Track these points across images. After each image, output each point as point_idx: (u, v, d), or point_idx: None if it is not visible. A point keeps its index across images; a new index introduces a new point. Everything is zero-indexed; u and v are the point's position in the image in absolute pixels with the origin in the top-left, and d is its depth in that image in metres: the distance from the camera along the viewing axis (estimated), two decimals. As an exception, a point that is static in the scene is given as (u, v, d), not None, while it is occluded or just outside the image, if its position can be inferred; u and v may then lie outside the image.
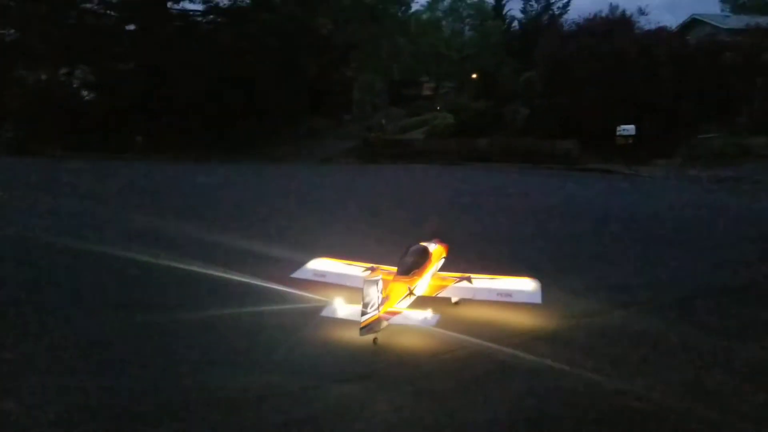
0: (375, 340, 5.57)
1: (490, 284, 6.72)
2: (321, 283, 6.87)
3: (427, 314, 5.75)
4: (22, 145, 29.85)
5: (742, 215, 15.32)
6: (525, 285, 6.64)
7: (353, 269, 7.16)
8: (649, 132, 29.22)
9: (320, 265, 7.26)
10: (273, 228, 11.58)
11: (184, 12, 37.08)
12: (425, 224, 8.54)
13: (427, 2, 62.60)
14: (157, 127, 32.49)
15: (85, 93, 36.27)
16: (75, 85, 36.00)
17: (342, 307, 5.89)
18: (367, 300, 5.46)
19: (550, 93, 33.63)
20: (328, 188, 20.99)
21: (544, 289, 6.40)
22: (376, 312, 5.53)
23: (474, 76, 55.05)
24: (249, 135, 35.55)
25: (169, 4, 36.12)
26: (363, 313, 5.44)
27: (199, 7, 37.11)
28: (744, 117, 29.20)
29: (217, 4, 37.26)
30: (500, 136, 34.62)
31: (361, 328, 5.39)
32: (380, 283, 5.67)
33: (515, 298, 6.42)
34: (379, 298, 5.61)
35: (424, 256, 6.85)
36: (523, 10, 60.70)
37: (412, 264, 6.59)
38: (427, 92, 64.44)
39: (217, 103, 32.67)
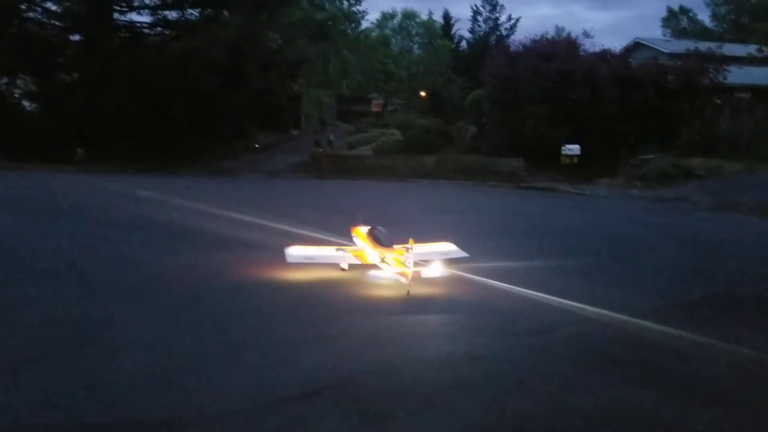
0: (408, 292, 8.06)
1: (433, 248, 9.15)
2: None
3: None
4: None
5: (682, 234, 15.84)
6: (450, 246, 9.36)
7: (329, 250, 9.26)
8: (593, 152, 29.96)
9: (300, 251, 8.97)
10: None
11: (131, 23, 36.31)
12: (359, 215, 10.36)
13: (377, 20, 63.18)
14: (100, 139, 31.57)
15: (26, 103, 35.01)
16: (16, 95, 34.70)
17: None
18: (408, 263, 8.02)
19: (497, 111, 34.21)
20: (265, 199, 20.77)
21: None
22: (410, 271, 8.02)
23: (422, 93, 55.74)
24: (195, 148, 34.96)
25: (115, 15, 35.27)
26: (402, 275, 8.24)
27: (146, 18, 36.48)
28: (684, 139, 30.27)
29: (165, 16, 36.70)
30: (447, 154, 34.99)
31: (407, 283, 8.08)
32: (412, 252, 8.06)
33: (451, 256, 9.05)
34: (411, 262, 8.03)
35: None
36: (471, 30, 62.02)
37: (385, 240, 8.99)
38: (375, 109, 64.88)
39: (163, 116, 32.00)
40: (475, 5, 61.32)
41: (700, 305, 8.39)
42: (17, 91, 34.90)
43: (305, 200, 21.64)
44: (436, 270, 8.36)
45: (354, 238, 9.62)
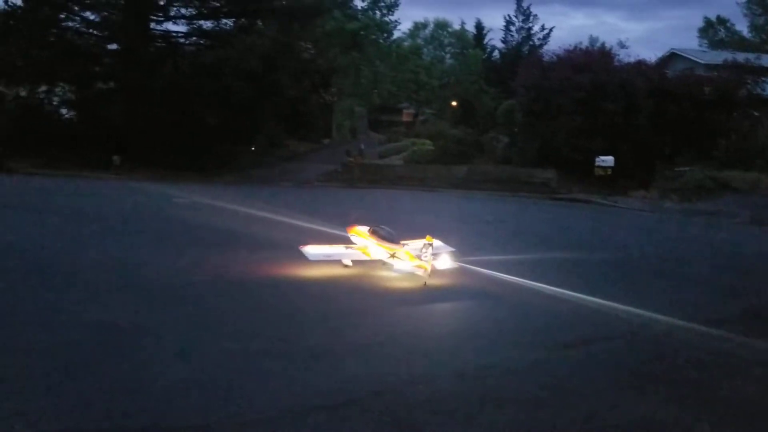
0: (425, 283, 9.00)
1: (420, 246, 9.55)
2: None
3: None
4: (1, 161, 29.22)
5: (722, 248, 15.50)
6: (437, 242, 9.92)
7: (340, 248, 10.04)
8: (627, 163, 29.59)
9: (318, 249, 9.79)
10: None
11: (167, 33, 36.96)
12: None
13: (409, 30, 63.29)
14: (136, 147, 32.09)
15: (64, 111, 35.76)
16: (54, 103, 35.47)
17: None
18: (425, 257, 9.08)
19: (529, 122, 34.01)
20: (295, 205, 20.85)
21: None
22: (428, 264, 9.03)
23: (453, 103, 55.62)
24: (227, 156, 35.35)
25: (152, 25, 35.91)
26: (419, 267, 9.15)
27: (182, 28, 37.07)
28: (721, 151, 29.72)
29: (201, 26, 37.24)
30: (479, 164, 34.85)
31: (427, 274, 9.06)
32: (430, 247, 9.14)
33: (442, 250, 10.01)
34: (429, 256, 9.09)
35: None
36: (504, 40, 61.65)
37: (391, 237, 9.93)
38: (406, 119, 64.93)
39: (197, 124, 32.44)
40: (508, 15, 61.13)
41: (740, 320, 8.18)
42: (56, 99, 35.66)
43: (333, 207, 21.68)
44: (446, 262, 9.59)
45: (352, 237, 10.45)
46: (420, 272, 9.16)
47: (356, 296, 8.54)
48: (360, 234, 10.36)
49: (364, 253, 9.99)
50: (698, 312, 8.51)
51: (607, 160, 30.13)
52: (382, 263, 9.87)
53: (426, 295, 8.63)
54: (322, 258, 9.68)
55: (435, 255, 9.49)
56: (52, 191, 22.44)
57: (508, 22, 61.11)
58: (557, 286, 9.12)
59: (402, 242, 9.81)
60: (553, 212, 24.28)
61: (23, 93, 34.35)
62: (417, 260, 9.29)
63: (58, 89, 35.22)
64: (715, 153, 29.65)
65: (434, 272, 9.18)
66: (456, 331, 7.35)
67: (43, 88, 34.70)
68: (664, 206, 25.94)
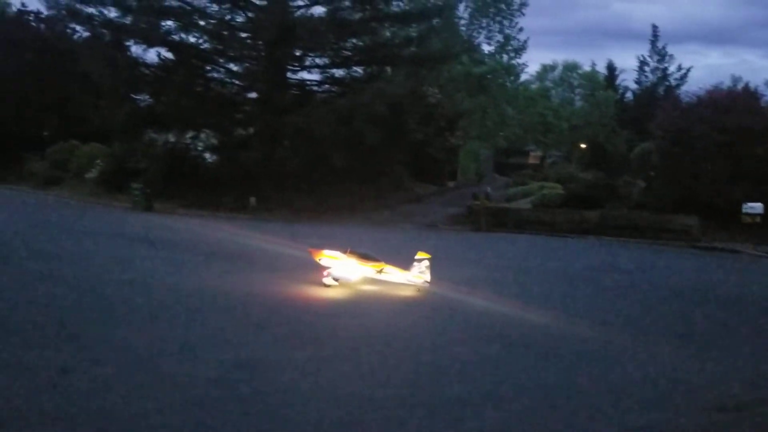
0: (419, 289, 11.87)
1: (402, 274, 12.16)
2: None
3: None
4: (149, 202, 31.66)
5: None
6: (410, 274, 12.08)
7: (354, 266, 11.92)
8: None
9: (341, 272, 11.74)
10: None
11: (302, 81, 38.70)
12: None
13: (537, 72, 62.56)
14: (270, 189, 33.55)
15: (207, 156, 38.16)
16: (199, 148, 37.97)
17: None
18: (422, 271, 11.90)
19: (668, 165, 32.20)
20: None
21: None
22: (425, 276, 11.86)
23: (583, 146, 54.04)
24: (354, 198, 36.06)
25: (288, 74, 37.78)
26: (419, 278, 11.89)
27: (316, 77, 38.70)
28: None
29: (333, 74, 38.68)
30: (613, 209, 33.30)
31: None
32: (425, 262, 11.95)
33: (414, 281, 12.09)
34: (427, 270, 11.94)
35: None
36: (638, 81, 59.51)
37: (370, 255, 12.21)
38: (533, 161, 63.83)
39: (326, 167, 33.46)
40: (642, 55, 59.08)
41: None
42: (200, 144, 38.14)
43: (458, 252, 21.42)
44: (427, 276, 11.96)
45: (322, 261, 12.00)
46: (419, 282, 11.74)
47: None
48: (332, 257, 11.88)
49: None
50: None
51: (756, 207, 27.95)
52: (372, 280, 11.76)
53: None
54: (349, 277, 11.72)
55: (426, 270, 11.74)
56: (200, 231, 23.66)
57: (642, 62, 59.06)
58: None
59: (419, 258, 11.96)
60: (698, 263, 22.65)
61: (172, 139, 37.00)
62: (409, 272, 11.85)
63: (202, 135, 37.69)
64: None
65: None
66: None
67: (190, 134, 37.24)
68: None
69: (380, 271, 11.76)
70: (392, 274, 11.88)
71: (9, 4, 54.63)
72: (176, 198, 33.58)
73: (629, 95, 61.56)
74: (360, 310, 10.87)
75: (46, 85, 41.71)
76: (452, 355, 8.29)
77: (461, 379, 7.10)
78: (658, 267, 21.02)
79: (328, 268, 11.82)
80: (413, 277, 11.92)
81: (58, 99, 42.21)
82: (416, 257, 11.93)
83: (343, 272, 11.75)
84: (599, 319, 11.01)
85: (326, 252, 12.01)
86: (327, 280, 11.66)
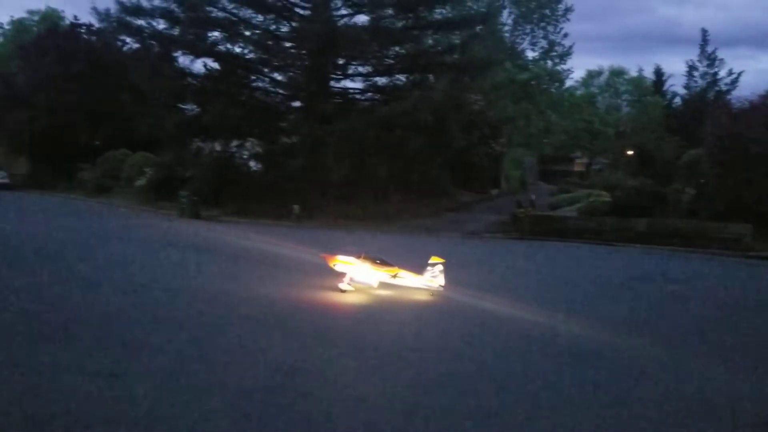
0: (432, 293, 12.31)
1: (417, 278, 12.48)
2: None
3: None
4: (196, 209, 32.31)
5: None
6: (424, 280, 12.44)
7: (369, 271, 12.25)
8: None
9: (359, 277, 12.11)
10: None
11: (345, 90, 38.97)
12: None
13: (582, 78, 61.75)
14: (313, 196, 33.84)
15: (252, 164, 38.73)
16: (244, 157, 38.56)
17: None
18: (435, 275, 12.30)
19: (719, 173, 31.27)
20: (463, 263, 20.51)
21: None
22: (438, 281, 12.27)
23: (630, 152, 53.00)
24: (397, 206, 36.07)
25: (331, 83, 38.10)
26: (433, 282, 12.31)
27: (358, 85, 38.92)
28: None
29: (375, 82, 38.82)
30: (661, 217, 32.48)
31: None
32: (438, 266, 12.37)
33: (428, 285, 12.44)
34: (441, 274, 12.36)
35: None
36: (686, 86, 58.13)
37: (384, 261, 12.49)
38: (578, 168, 62.88)
39: (369, 175, 33.58)
40: (691, 60, 57.68)
41: None
42: (245, 153, 38.73)
43: (498, 261, 21.20)
44: (441, 280, 12.35)
45: (336, 266, 12.27)
46: (433, 286, 12.17)
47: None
48: (347, 262, 12.15)
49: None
50: None
51: (813, 215, 26.88)
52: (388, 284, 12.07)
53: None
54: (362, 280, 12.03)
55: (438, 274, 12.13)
56: (243, 238, 24.01)
57: (691, 68, 57.66)
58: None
59: (432, 263, 12.39)
60: (751, 273, 21.90)
61: (218, 148, 37.67)
62: (424, 277, 12.21)
63: (247, 144, 38.27)
64: None
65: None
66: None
67: (235, 142, 37.87)
68: None
69: (394, 276, 12.17)
70: (406, 278, 12.28)
71: (62, 18, 56.60)
72: (222, 205, 34.25)
73: (678, 101, 60.19)
74: (392, 316, 11.00)
75: (97, 95, 43.09)
76: (495, 365, 8.20)
77: (510, 390, 7.02)
78: (709, 277, 20.40)
79: (344, 274, 12.15)
80: (428, 281, 12.31)
81: (108, 109, 43.56)
82: (429, 261, 12.43)
83: (362, 277, 12.07)
84: (647, 332, 10.74)
85: (340, 258, 12.32)
86: (343, 285, 11.98)
